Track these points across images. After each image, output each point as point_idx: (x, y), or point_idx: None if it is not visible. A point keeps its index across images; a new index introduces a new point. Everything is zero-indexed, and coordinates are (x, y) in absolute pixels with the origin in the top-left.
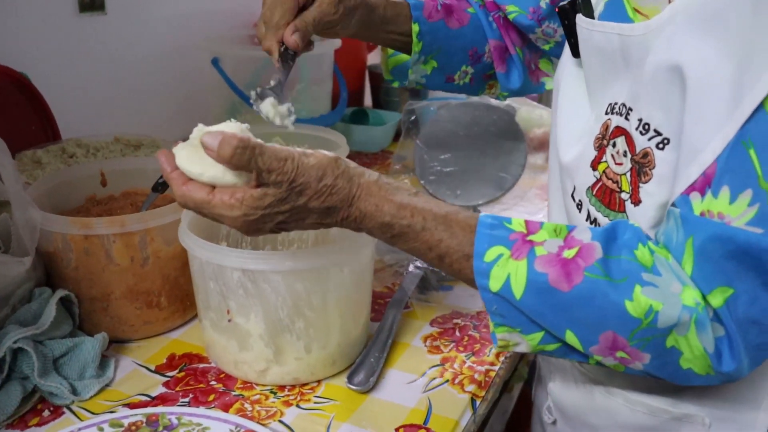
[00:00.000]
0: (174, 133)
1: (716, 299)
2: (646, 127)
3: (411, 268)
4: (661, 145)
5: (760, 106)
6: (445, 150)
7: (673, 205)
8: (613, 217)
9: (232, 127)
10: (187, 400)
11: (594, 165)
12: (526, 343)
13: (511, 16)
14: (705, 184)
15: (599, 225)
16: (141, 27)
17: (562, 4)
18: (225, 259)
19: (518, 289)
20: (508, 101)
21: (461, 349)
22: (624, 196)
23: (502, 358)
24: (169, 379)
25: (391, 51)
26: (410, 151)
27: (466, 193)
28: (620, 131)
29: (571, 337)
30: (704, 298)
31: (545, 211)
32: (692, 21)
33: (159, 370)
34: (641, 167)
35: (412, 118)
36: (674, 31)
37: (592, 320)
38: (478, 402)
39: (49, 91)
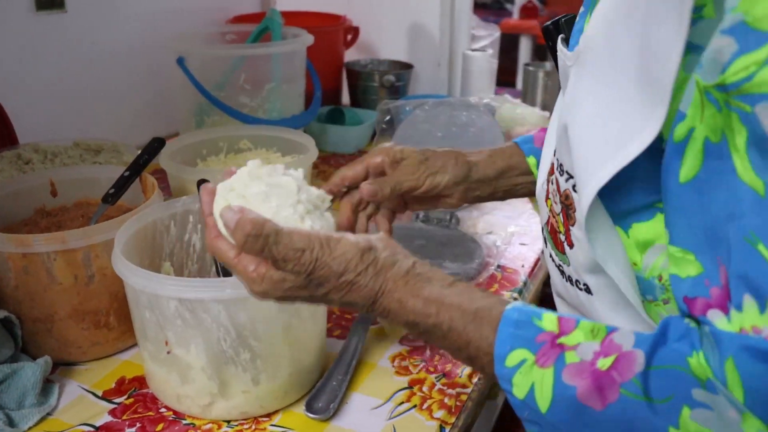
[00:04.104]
0: (137, 137)
1: None
2: (561, 167)
3: None
4: (575, 188)
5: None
6: None
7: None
8: (560, 259)
9: (254, 170)
10: (133, 430)
11: (545, 202)
12: None
13: None
14: (724, 298)
15: (555, 263)
16: (103, 25)
17: (546, 24)
18: (159, 287)
19: (543, 403)
20: (487, 99)
21: (431, 369)
22: (561, 237)
23: (475, 380)
24: (116, 406)
25: None
26: None
27: None
28: (551, 170)
29: None
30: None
31: (527, 214)
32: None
33: (106, 396)
34: (567, 209)
35: (387, 117)
36: (578, 68)
37: None
38: (447, 429)
39: (5, 94)
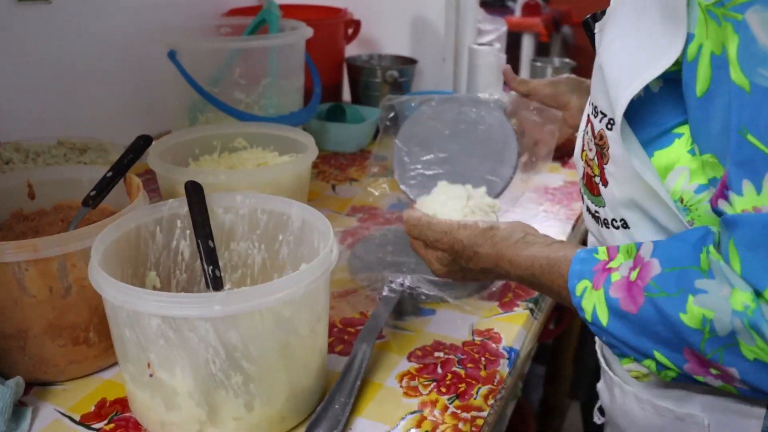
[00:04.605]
0: (125, 135)
1: None
2: (596, 109)
3: (385, 291)
4: (609, 126)
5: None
6: (427, 150)
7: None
8: (594, 202)
9: (447, 191)
10: None
11: (581, 156)
12: (649, 371)
13: None
14: (723, 187)
15: (591, 213)
16: (89, 17)
17: (585, 18)
18: (139, 303)
19: (603, 318)
20: (498, 95)
21: (443, 390)
22: (596, 179)
23: (491, 401)
24: None
25: None
26: (390, 150)
27: None
28: (588, 120)
29: (661, 358)
30: (760, 295)
31: (540, 217)
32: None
33: (84, 421)
34: (601, 149)
35: (392, 114)
36: (609, 22)
37: (667, 338)
38: None
39: None
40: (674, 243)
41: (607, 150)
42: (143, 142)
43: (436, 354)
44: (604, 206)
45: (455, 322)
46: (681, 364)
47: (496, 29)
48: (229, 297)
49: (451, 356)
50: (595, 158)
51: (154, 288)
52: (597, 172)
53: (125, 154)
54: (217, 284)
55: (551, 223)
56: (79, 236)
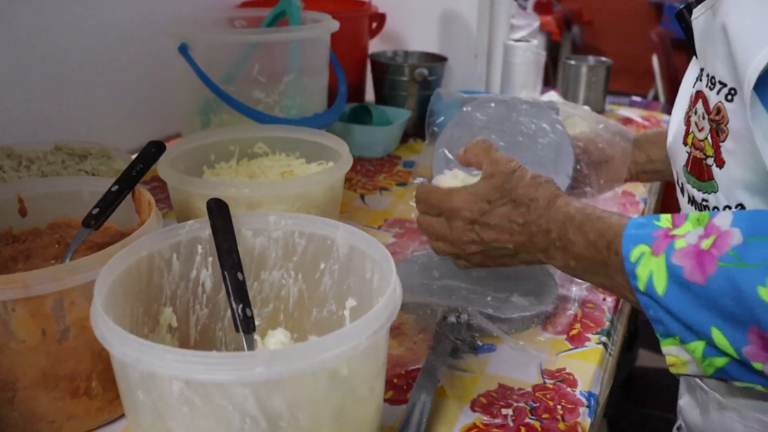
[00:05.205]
0: (130, 139)
1: None
2: (713, 80)
3: (440, 327)
4: (729, 97)
5: None
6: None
7: None
8: (703, 188)
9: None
10: None
11: (685, 140)
12: (692, 359)
13: None
14: None
15: (697, 203)
16: (90, 7)
17: (679, 8)
18: (158, 363)
19: (660, 286)
20: (547, 97)
21: None
22: (709, 161)
23: None
24: None
25: None
26: (429, 157)
27: None
28: (699, 95)
29: (718, 337)
30: None
31: None
32: None
33: None
34: (717, 125)
35: (440, 119)
36: None
37: (733, 314)
38: None
39: None
40: (760, 213)
41: (725, 125)
42: (155, 150)
43: (506, 401)
44: (716, 191)
45: (519, 360)
46: (740, 346)
47: (528, 25)
48: (275, 356)
49: (521, 404)
50: (709, 137)
51: (170, 327)
52: (710, 152)
53: (134, 164)
54: (247, 326)
55: None
56: (79, 268)
